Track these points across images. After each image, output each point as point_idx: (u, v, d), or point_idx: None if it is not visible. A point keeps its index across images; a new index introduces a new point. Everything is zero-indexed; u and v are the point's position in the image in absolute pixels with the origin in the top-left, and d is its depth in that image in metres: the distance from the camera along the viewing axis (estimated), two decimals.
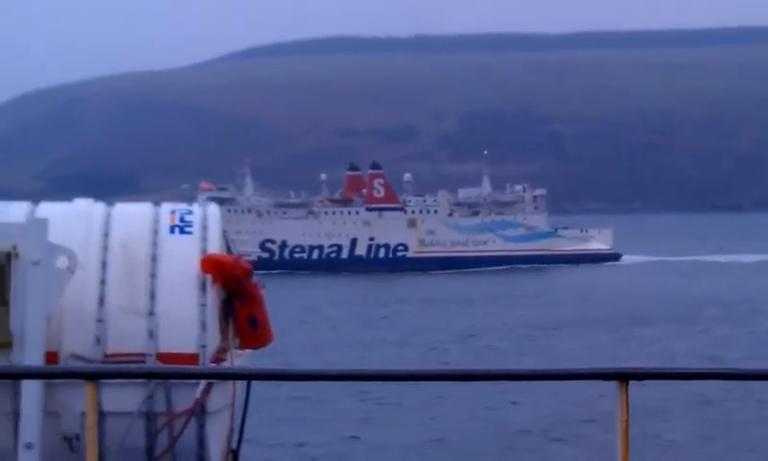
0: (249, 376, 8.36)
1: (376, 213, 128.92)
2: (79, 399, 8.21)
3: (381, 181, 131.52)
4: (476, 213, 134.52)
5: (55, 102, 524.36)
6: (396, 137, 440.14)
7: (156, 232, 8.96)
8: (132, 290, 8.68)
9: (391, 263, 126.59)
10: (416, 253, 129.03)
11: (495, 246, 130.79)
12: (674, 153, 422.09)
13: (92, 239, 8.82)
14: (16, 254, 8.20)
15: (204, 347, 8.58)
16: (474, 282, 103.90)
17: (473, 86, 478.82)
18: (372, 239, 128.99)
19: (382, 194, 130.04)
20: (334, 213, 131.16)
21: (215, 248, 8.96)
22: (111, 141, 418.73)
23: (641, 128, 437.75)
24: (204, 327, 8.61)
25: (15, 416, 8.30)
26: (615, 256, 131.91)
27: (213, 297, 8.72)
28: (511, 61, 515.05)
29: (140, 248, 8.85)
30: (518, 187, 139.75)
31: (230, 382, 8.73)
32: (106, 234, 8.89)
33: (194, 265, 8.80)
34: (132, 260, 8.78)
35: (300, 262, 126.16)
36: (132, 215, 9.16)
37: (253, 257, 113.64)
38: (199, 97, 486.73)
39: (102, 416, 8.30)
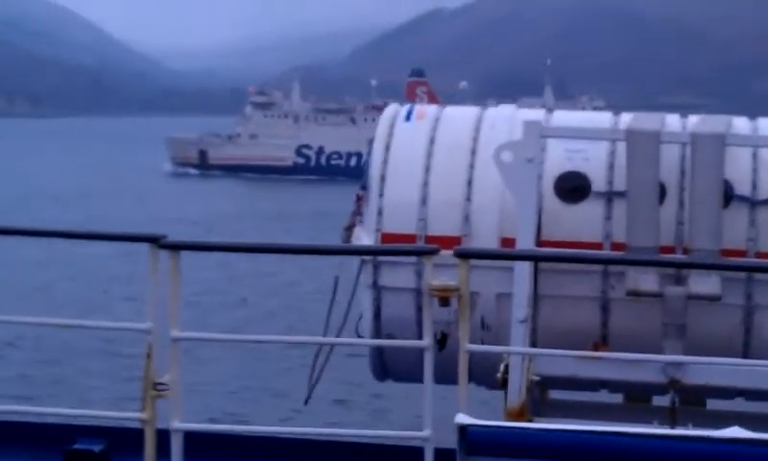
0: None
1: None
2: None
3: (424, 88, 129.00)
4: None
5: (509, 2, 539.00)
6: None
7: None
8: None
9: None
10: None
11: None
12: None
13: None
14: None
15: None
16: None
17: None
18: None
19: (425, 102, 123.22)
20: (374, 120, 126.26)
21: None
22: (548, 43, 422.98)
23: None
24: None
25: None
26: None
27: None
28: None
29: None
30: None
31: None
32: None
33: None
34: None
35: (337, 169, 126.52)
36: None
37: (289, 163, 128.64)
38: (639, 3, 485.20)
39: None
